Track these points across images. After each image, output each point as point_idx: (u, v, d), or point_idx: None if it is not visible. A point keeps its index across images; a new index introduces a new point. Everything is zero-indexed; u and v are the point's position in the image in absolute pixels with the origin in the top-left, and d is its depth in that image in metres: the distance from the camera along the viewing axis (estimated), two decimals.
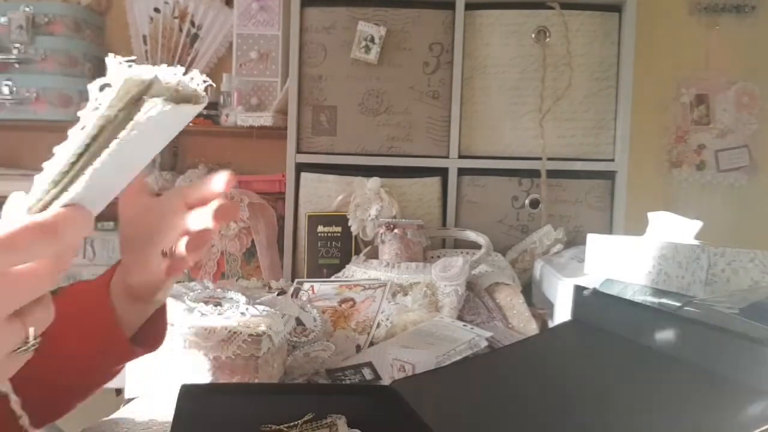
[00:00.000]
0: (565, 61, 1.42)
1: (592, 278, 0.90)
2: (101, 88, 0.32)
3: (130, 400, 0.76)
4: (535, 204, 1.43)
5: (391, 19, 1.44)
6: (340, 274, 1.23)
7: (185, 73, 0.34)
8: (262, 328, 0.72)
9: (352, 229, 1.34)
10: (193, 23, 1.89)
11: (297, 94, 1.47)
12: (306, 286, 1.11)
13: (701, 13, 1.80)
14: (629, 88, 1.43)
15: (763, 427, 0.41)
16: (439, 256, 1.23)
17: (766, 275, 0.67)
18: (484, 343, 0.84)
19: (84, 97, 1.82)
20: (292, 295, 1.07)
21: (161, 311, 0.61)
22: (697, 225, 0.84)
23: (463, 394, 0.67)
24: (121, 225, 0.55)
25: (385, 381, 0.77)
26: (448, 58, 1.44)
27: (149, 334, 0.60)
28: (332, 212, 1.37)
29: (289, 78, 1.48)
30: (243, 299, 0.80)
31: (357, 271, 1.20)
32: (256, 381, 0.72)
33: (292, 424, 0.44)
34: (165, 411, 0.65)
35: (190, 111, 0.35)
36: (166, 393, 0.70)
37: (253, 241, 1.57)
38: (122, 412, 0.71)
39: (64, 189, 0.33)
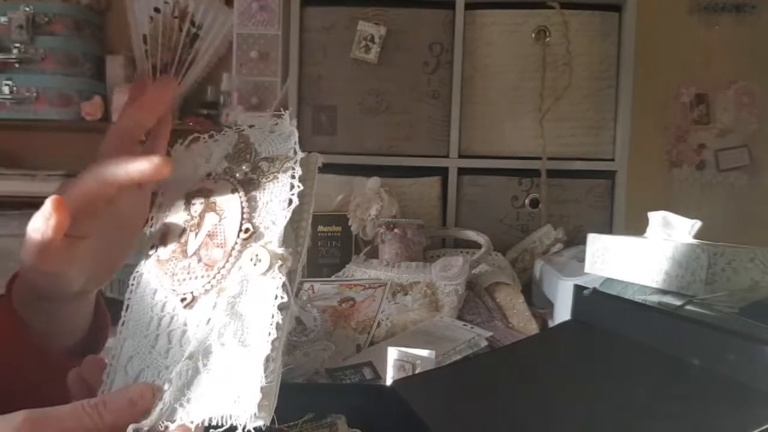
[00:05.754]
0: (565, 61, 1.42)
1: (592, 278, 0.90)
2: None
3: None
4: (535, 203, 1.43)
5: (391, 18, 1.43)
6: (340, 273, 1.23)
7: None
8: None
9: (352, 228, 1.34)
10: (193, 23, 1.88)
11: (297, 93, 1.47)
12: (306, 285, 1.11)
13: (701, 12, 1.80)
14: (629, 88, 1.43)
15: (763, 427, 0.41)
16: (439, 256, 1.23)
17: (766, 274, 0.67)
18: (484, 343, 0.84)
19: (84, 96, 1.82)
20: None
21: (99, 303, 0.55)
22: (696, 224, 0.84)
23: (463, 394, 0.67)
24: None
25: (385, 381, 0.77)
26: (448, 58, 1.44)
27: (95, 333, 0.54)
28: (332, 212, 1.37)
29: (289, 78, 1.48)
30: None
31: (357, 270, 1.20)
32: None
33: (291, 423, 0.45)
34: None
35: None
36: None
37: None
38: None
39: None
